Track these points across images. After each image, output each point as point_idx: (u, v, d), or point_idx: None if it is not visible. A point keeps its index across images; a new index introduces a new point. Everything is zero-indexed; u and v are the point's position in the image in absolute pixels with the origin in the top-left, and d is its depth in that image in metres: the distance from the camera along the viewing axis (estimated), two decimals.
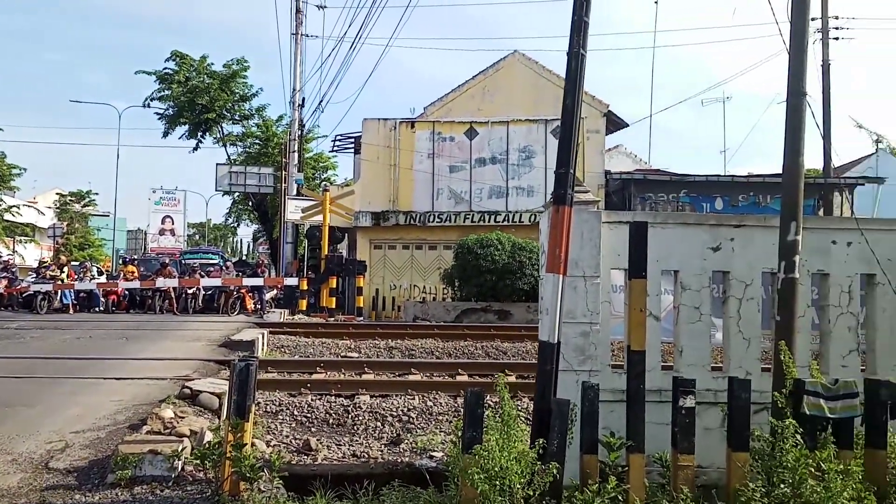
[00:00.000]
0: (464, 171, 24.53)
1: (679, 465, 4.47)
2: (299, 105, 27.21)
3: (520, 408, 8.15)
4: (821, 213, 21.59)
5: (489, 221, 23.28)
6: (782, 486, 4.05)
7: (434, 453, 6.65)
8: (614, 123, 26.54)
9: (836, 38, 22.08)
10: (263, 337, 13.02)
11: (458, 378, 9.94)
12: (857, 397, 4.61)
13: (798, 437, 4.23)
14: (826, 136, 21.08)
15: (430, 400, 8.50)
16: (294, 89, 26.98)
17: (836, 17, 22.05)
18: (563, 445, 4.50)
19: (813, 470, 4.13)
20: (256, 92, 34.94)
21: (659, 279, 5.94)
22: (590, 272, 5.60)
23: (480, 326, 16.09)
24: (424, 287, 24.02)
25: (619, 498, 4.22)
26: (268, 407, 8.23)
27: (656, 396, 5.32)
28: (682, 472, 4.45)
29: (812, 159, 25.97)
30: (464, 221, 23.54)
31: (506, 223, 23.05)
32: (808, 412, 4.48)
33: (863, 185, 23.14)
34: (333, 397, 8.62)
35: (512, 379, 9.75)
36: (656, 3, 21.12)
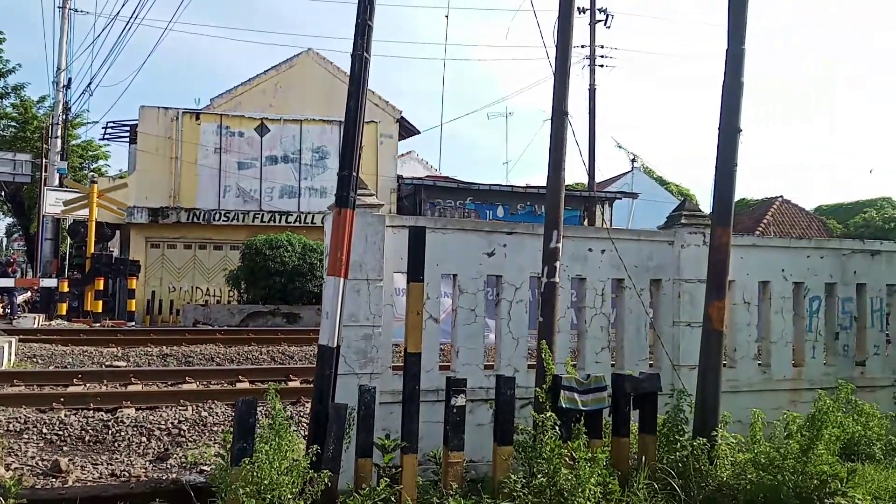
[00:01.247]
0: (254, 169, 23.61)
1: (450, 461, 4.62)
2: (64, 86, 24.42)
3: (303, 413, 7.98)
4: (585, 223, 23.89)
5: (280, 222, 22.65)
6: (540, 476, 4.35)
7: (205, 467, 6.25)
8: (407, 130, 27.22)
9: (602, 66, 24.58)
10: (11, 346, 11.43)
11: (239, 385, 9.50)
12: (605, 390, 5.11)
13: (556, 428, 4.57)
14: (591, 154, 23.38)
15: (206, 410, 8.01)
16: (59, 68, 24.17)
17: (602, 47, 24.56)
18: (339, 451, 4.45)
19: (567, 459, 4.49)
20: (13, 68, 30.82)
21: (439, 282, 6.14)
22: (373, 275, 5.62)
23: (267, 330, 15.57)
24: (208, 289, 22.73)
25: (392, 499, 4.27)
26: (11, 425, 7.21)
27: (434, 396, 5.46)
28: (452, 468, 4.61)
29: (580, 174, 28.70)
30: (253, 221, 22.66)
31: (297, 224, 22.58)
32: (564, 405, 4.87)
33: (620, 199, 26.04)
34: (92, 412, 7.79)
35: (296, 384, 9.53)
36: (447, 17, 22.00)
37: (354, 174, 4.97)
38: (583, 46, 23.96)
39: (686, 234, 6.71)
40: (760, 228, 27.62)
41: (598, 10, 23.82)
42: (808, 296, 7.31)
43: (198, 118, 23.37)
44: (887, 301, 7.71)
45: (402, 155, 30.86)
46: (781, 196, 33.29)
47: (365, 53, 4.91)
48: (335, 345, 4.82)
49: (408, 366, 4.78)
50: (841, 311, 7.45)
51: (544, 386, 5.03)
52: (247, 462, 3.87)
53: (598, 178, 27.41)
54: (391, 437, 4.86)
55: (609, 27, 23.93)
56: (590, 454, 4.43)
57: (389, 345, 5.93)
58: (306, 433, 6.36)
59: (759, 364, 7.17)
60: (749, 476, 5.03)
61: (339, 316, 4.84)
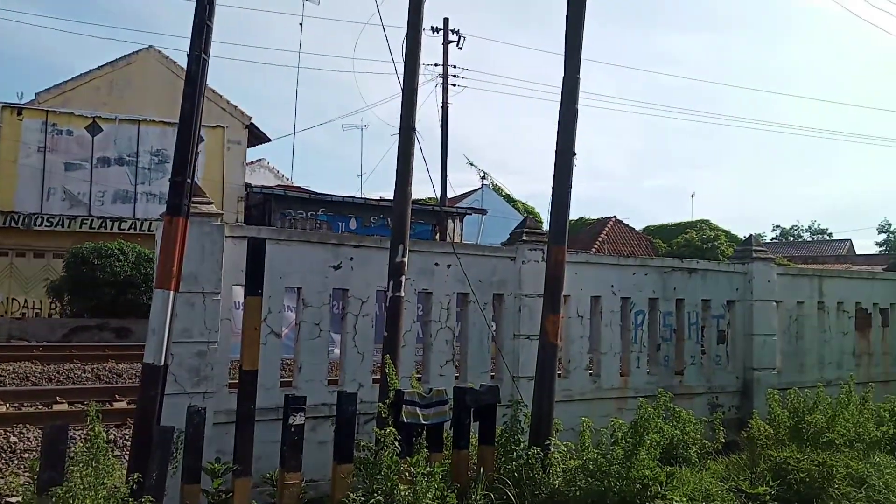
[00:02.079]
0: (83, 171, 21.75)
1: (286, 483, 4.45)
2: None
3: (129, 436, 7.39)
4: (437, 237, 24.29)
5: (112, 228, 21.02)
6: (378, 493, 4.30)
7: (12, 499, 5.60)
8: (257, 137, 26.33)
9: (454, 85, 25.23)
10: None
11: (56, 407, 8.64)
12: (447, 404, 5.16)
13: (395, 444, 4.54)
14: (443, 170, 23.86)
15: (16, 435, 7.20)
16: None
17: (455, 66, 25.21)
18: (163, 477, 4.14)
19: (407, 475, 4.48)
20: None
21: (282, 296, 5.94)
22: (210, 288, 5.34)
23: (93, 346, 14.33)
24: (26, 301, 20.56)
25: None
26: None
27: (274, 414, 5.24)
28: (288, 490, 4.43)
29: (433, 189, 29.14)
30: (80, 227, 20.85)
31: (132, 231, 21.08)
32: (406, 420, 4.86)
33: (470, 214, 26.77)
34: None
35: (123, 405, 8.83)
36: (301, 25, 21.65)
37: (189, 180, 4.69)
38: (436, 65, 24.50)
39: (527, 250, 6.98)
40: (596, 246, 29.54)
41: (451, 30, 24.46)
42: (633, 310, 7.87)
43: (20, 113, 21.20)
44: (702, 315, 8.48)
45: (252, 163, 29.82)
46: (615, 216, 35.85)
47: (203, 54, 4.67)
48: (162, 363, 4.49)
49: (243, 384, 4.56)
50: (662, 324, 8.09)
51: (387, 401, 5.00)
52: (56, 490, 3.48)
53: (450, 194, 28.04)
54: (228, 459, 4.60)
55: (461, 48, 24.65)
56: (429, 468, 4.43)
57: (227, 361, 5.65)
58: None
59: (591, 374, 7.61)
60: (579, 482, 5.27)
61: (167, 332, 4.53)
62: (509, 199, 39.33)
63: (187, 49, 4.71)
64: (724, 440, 7.02)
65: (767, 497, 5.94)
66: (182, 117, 4.74)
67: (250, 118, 24.45)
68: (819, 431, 6.90)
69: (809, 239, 56.80)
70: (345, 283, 6.13)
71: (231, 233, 5.58)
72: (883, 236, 49.29)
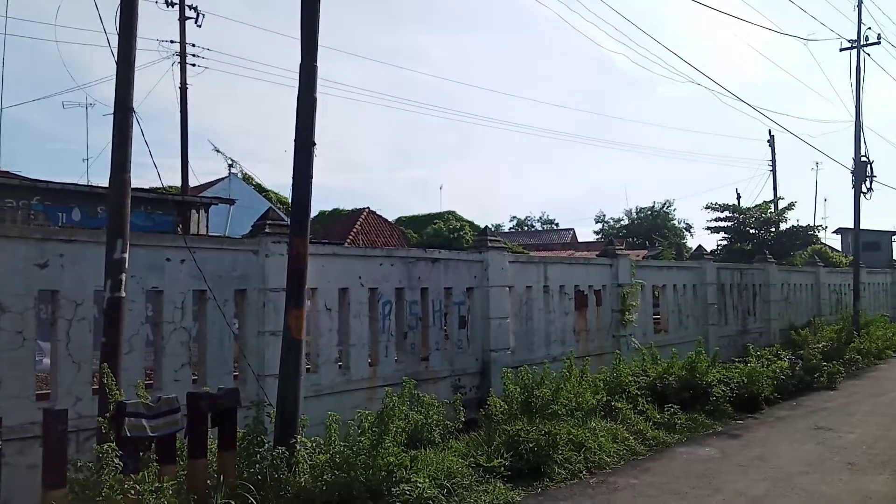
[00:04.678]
0: None
1: None
2: None
3: None
4: (180, 229, 22.57)
5: None
6: None
7: None
8: None
9: (194, 65, 23.53)
10: None
11: None
12: (178, 412, 4.74)
13: (117, 461, 4.07)
14: (184, 156, 22.22)
15: None
16: None
17: (194, 45, 23.52)
18: None
19: (132, 493, 4.03)
20: None
21: None
22: None
23: None
24: None
25: None
26: None
27: None
28: None
29: (175, 177, 27.03)
30: None
31: None
32: (129, 434, 4.37)
33: (217, 204, 25.26)
34: None
35: None
36: None
37: None
38: (172, 42, 22.66)
39: (270, 243, 6.71)
40: (350, 237, 29.71)
41: (189, 6, 22.76)
42: (381, 300, 7.99)
43: None
44: (445, 302, 8.89)
45: None
46: (368, 207, 36.42)
47: None
48: None
49: None
50: (409, 313, 8.33)
51: (108, 414, 4.46)
52: None
53: (194, 182, 26.22)
54: None
55: (200, 26, 23.02)
56: (158, 484, 4.04)
57: None
58: None
59: (340, 366, 7.57)
60: (326, 477, 5.20)
61: None
62: (260, 189, 37.93)
63: None
64: (464, 419, 7.43)
65: (502, 469, 6.39)
66: None
67: None
68: (546, 404, 7.61)
69: (540, 228, 62.98)
70: (54, 284, 5.37)
71: None
72: (599, 225, 56.63)
